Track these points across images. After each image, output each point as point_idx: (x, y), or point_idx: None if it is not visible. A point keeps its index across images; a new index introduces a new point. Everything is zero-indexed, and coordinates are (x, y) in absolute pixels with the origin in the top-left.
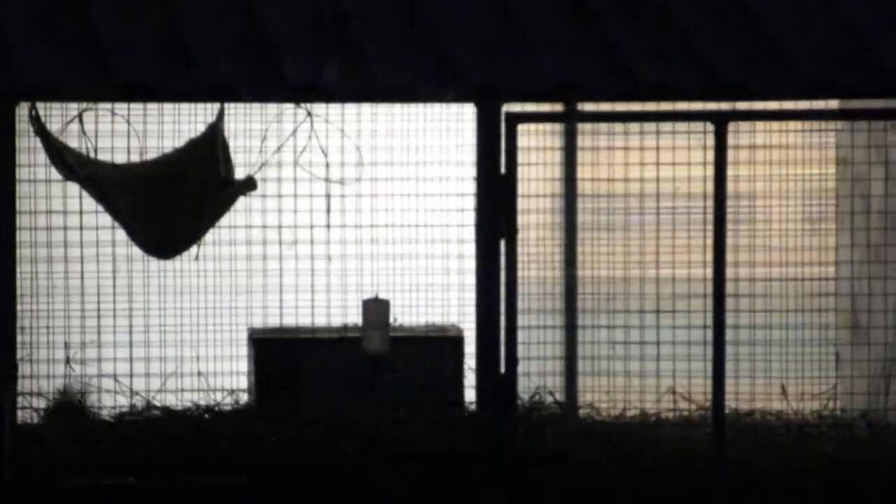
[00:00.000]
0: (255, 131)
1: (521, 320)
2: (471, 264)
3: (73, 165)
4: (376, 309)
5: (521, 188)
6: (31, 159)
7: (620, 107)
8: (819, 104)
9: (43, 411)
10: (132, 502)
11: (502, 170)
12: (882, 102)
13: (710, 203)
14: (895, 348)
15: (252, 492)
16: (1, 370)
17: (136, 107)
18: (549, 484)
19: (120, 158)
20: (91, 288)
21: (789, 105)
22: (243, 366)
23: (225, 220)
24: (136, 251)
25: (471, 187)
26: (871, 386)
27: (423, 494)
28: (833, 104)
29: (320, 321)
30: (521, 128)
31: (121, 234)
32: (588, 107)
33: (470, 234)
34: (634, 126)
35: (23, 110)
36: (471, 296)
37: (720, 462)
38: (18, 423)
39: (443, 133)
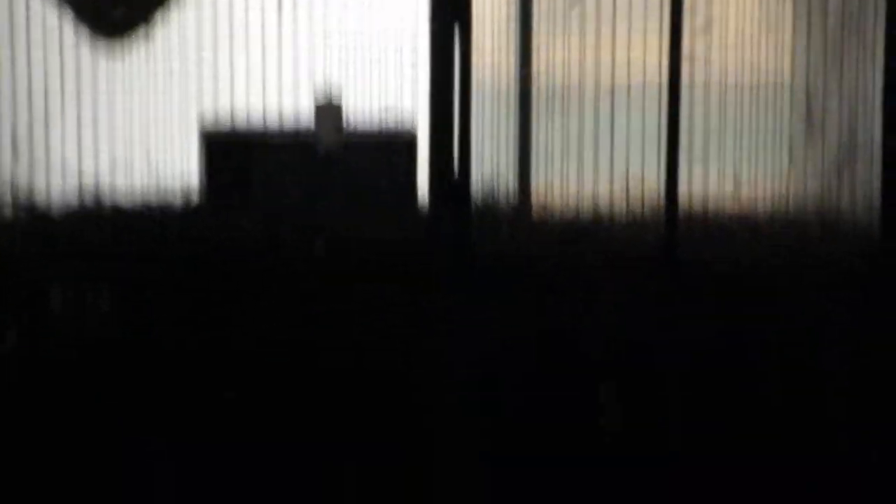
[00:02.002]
0: None
1: (475, 118)
2: (424, 60)
3: None
4: (329, 110)
5: None
6: None
7: None
8: None
9: None
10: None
11: None
12: None
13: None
14: (848, 146)
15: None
16: None
17: None
18: (500, 282)
19: None
20: (38, 75)
21: None
22: (193, 165)
23: (173, 7)
24: (85, 32)
25: None
26: (824, 183)
27: (376, 293)
28: None
29: (272, 121)
30: None
31: (68, 13)
32: None
33: (424, 27)
34: None
35: None
36: (424, 92)
37: (672, 258)
38: None
39: None
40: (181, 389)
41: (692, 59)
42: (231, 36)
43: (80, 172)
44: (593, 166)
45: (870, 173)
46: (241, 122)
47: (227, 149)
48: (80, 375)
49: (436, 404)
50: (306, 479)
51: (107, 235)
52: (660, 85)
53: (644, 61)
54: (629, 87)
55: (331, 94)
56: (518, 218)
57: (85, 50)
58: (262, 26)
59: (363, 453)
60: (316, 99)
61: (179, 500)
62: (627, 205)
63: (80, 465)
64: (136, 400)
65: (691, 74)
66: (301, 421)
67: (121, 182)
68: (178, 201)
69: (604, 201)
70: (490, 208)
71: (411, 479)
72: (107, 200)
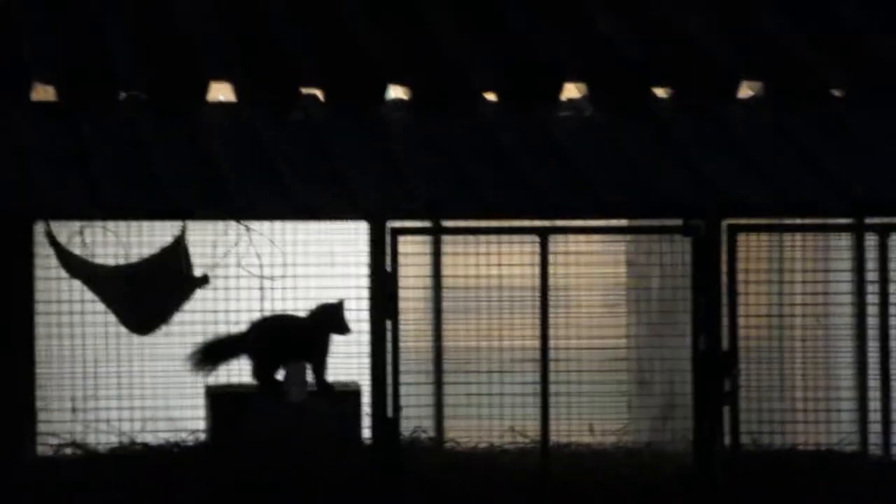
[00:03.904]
0: (207, 241)
1: (403, 378)
2: (366, 337)
3: (76, 267)
4: (296, 370)
5: (402, 282)
6: (45, 262)
7: (475, 223)
8: (614, 222)
9: (56, 447)
10: None
11: (388, 268)
12: (657, 221)
13: (538, 293)
14: (669, 397)
15: None
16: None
17: (123, 224)
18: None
19: (110, 262)
20: (90, 355)
21: (593, 223)
22: (202, 413)
23: (187, 306)
24: (122, 329)
25: (366, 281)
26: (652, 424)
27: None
28: (623, 222)
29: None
30: (401, 238)
31: (111, 318)
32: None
33: (366, 315)
34: (483, 237)
35: (39, 227)
36: (366, 360)
37: (546, 480)
38: (38, 455)
39: (346, 242)
40: None
41: (556, 336)
42: (227, 322)
43: (119, 425)
44: (488, 415)
45: (685, 419)
46: (235, 381)
47: (225, 400)
48: None
49: None
50: None
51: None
52: (534, 350)
53: (523, 339)
54: (512, 355)
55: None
56: (434, 447)
57: (124, 338)
58: (249, 312)
59: None
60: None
61: None
62: (513, 441)
63: None
64: None
65: (557, 347)
66: None
67: (149, 428)
68: (190, 442)
69: (495, 439)
70: (414, 441)
71: None
72: (137, 442)
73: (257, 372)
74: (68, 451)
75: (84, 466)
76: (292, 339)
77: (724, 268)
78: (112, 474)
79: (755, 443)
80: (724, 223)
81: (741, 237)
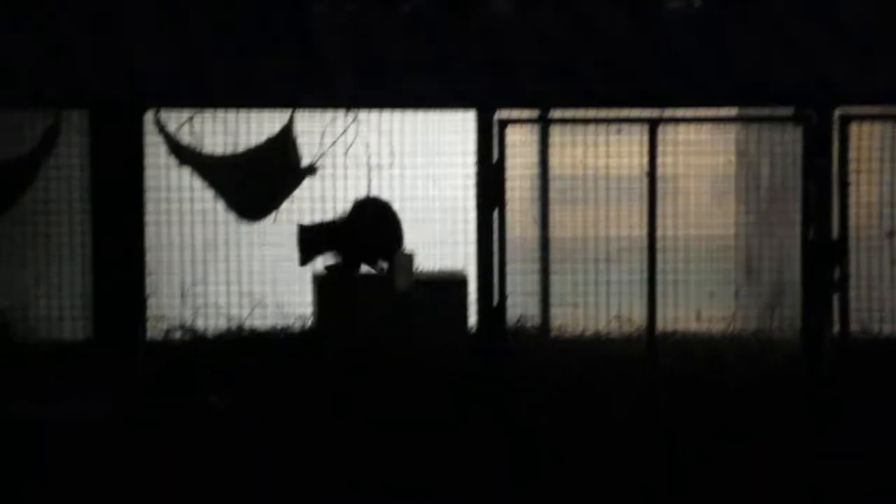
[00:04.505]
0: (315, 131)
1: (509, 267)
2: (473, 227)
3: (186, 155)
4: (404, 258)
5: (509, 172)
6: (156, 150)
7: (583, 114)
8: (724, 112)
9: (165, 331)
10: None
11: (495, 159)
12: (767, 110)
13: (646, 182)
14: (777, 286)
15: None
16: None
17: (231, 113)
18: (527, 386)
19: (219, 151)
20: (199, 242)
21: (703, 112)
22: (309, 298)
23: (295, 194)
24: (231, 216)
25: (473, 171)
26: (760, 312)
27: (430, 392)
28: (733, 111)
29: (365, 267)
30: (509, 129)
31: (220, 205)
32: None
33: (473, 204)
34: (591, 127)
35: (149, 115)
36: (473, 249)
37: (652, 368)
38: (147, 339)
39: (453, 132)
40: None
41: (664, 225)
42: (334, 210)
43: (228, 309)
44: (595, 303)
45: (793, 307)
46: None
47: (332, 286)
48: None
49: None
50: None
51: (246, 349)
52: (641, 244)
53: (630, 228)
54: (619, 246)
55: (406, 248)
56: (540, 335)
57: (232, 226)
58: (356, 191)
59: None
60: (395, 252)
61: None
62: (620, 329)
63: None
64: None
65: (665, 237)
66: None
67: (257, 314)
68: (297, 327)
69: (601, 327)
70: (520, 330)
71: None
72: (245, 326)
73: (358, 258)
74: (177, 335)
75: (193, 350)
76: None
77: (835, 157)
78: (220, 358)
79: (864, 330)
80: (836, 113)
81: (853, 126)
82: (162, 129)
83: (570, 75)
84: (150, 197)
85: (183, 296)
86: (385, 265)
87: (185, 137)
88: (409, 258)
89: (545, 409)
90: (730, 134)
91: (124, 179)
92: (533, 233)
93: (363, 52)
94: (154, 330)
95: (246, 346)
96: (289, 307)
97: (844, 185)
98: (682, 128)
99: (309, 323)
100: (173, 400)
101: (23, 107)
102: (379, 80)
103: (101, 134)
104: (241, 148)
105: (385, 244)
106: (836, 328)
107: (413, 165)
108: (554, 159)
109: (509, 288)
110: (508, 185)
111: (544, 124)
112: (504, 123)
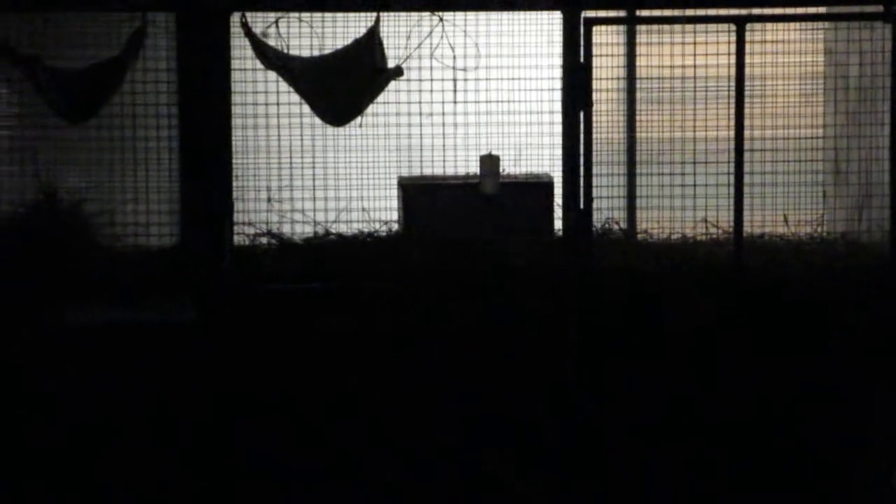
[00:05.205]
0: (401, 33)
1: (595, 170)
2: (559, 129)
3: (272, 58)
4: (490, 161)
5: (595, 73)
6: (242, 53)
7: (670, 13)
8: (811, 9)
9: (252, 237)
10: (316, 300)
11: (581, 60)
12: (857, 7)
13: (734, 83)
14: (865, 188)
15: (399, 293)
16: (222, 209)
17: (317, 15)
18: (614, 287)
19: (304, 54)
20: (285, 147)
21: (790, 10)
22: (394, 204)
23: (380, 98)
24: (317, 120)
25: (559, 73)
26: (848, 214)
27: (518, 295)
28: (822, 9)
29: (449, 171)
30: (595, 28)
31: (306, 109)
32: (646, 13)
33: (558, 107)
34: (678, 27)
35: (235, 18)
36: (559, 152)
37: (740, 271)
38: (234, 244)
39: (538, 33)
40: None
41: (752, 126)
42: (420, 113)
43: (314, 215)
44: (681, 206)
45: (882, 209)
46: (427, 173)
47: (417, 192)
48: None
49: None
50: None
51: (335, 255)
52: (728, 142)
53: (717, 130)
54: (706, 148)
55: (490, 151)
56: (625, 241)
57: (318, 130)
58: (443, 104)
59: None
60: (480, 155)
61: None
62: (706, 232)
63: None
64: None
65: (752, 138)
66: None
67: (343, 219)
68: (383, 232)
69: (688, 231)
70: (606, 233)
71: None
72: (332, 232)
73: None
74: (264, 240)
75: (279, 255)
76: None
77: None
78: (306, 263)
79: None
80: None
81: None
82: (248, 31)
83: None
84: (237, 101)
85: (269, 201)
86: None
87: (272, 40)
88: (496, 161)
89: (628, 312)
90: (819, 32)
91: (211, 83)
92: (620, 135)
93: None
94: (240, 236)
95: (331, 251)
96: (375, 212)
97: None
98: (769, 26)
99: (395, 228)
100: (255, 304)
101: (110, 8)
102: None
103: (188, 37)
104: (328, 51)
105: None
106: None
107: (499, 67)
108: (641, 59)
109: (595, 191)
110: (595, 86)
111: (631, 23)
112: (590, 22)
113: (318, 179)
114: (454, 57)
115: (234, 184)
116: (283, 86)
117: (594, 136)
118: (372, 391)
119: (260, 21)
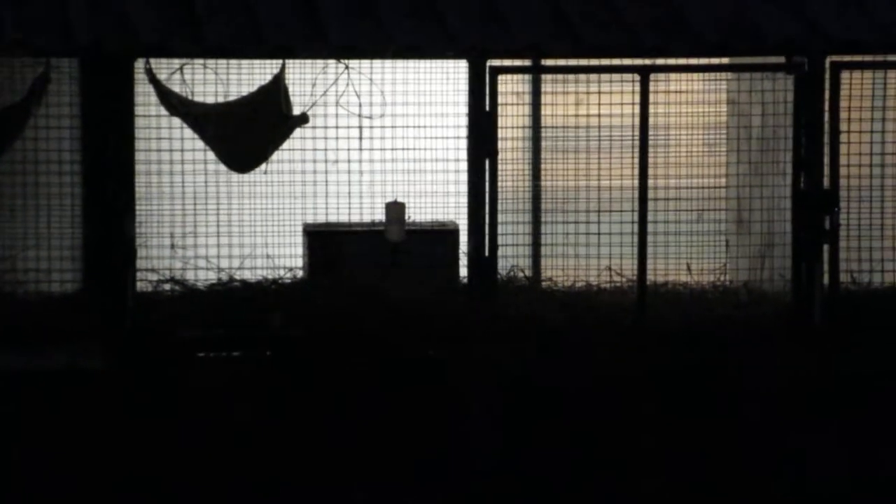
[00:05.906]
0: (307, 80)
1: (500, 218)
2: (464, 177)
3: (176, 105)
4: (396, 209)
5: (501, 122)
6: (146, 100)
7: (575, 62)
8: (715, 60)
9: (155, 283)
10: (220, 347)
11: (487, 108)
12: (759, 58)
13: (638, 132)
14: (768, 237)
15: (307, 341)
16: (125, 255)
17: (222, 62)
18: (519, 335)
19: (209, 100)
20: (189, 193)
21: (694, 61)
22: (300, 251)
23: (286, 145)
24: (222, 167)
25: (464, 121)
26: (751, 263)
27: (421, 342)
28: (725, 60)
29: (355, 218)
30: (501, 77)
31: (210, 155)
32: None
33: (464, 155)
34: (583, 76)
35: (140, 64)
36: (464, 200)
37: (642, 318)
38: (137, 291)
39: (445, 81)
40: None
41: (655, 175)
42: (325, 160)
43: (218, 261)
44: (585, 254)
45: (784, 258)
46: (332, 220)
47: (322, 239)
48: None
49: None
50: None
51: (237, 301)
52: (632, 191)
53: (621, 179)
54: (610, 197)
55: (396, 198)
56: (530, 286)
57: (223, 176)
58: (348, 151)
59: None
60: (386, 203)
61: None
62: (610, 280)
63: None
64: None
65: (655, 187)
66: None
67: (247, 265)
68: (288, 279)
69: (593, 279)
70: (511, 280)
71: None
72: (236, 278)
73: None
74: (167, 286)
75: (183, 302)
76: None
77: (826, 106)
78: (209, 310)
79: (854, 281)
80: (828, 60)
81: (844, 75)
82: (153, 78)
83: (561, 23)
84: (141, 147)
85: (173, 247)
86: None
87: (177, 86)
88: (401, 208)
89: (534, 358)
90: (721, 83)
91: (115, 129)
92: (525, 183)
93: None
94: (143, 282)
95: (234, 298)
96: (280, 259)
97: (836, 134)
98: (673, 76)
99: (300, 275)
100: (161, 352)
101: (12, 55)
102: (372, 28)
103: (92, 83)
104: (233, 97)
105: None
106: (827, 279)
107: (405, 114)
108: (546, 108)
109: (500, 238)
110: (500, 134)
111: (536, 72)
112: (496, 71)
113: (223, 226)
114: (360, 104)
115: (138, 230)
116: (188, 132)
117: (499, 183)
118: (268, 441)
119: (164, 67)
